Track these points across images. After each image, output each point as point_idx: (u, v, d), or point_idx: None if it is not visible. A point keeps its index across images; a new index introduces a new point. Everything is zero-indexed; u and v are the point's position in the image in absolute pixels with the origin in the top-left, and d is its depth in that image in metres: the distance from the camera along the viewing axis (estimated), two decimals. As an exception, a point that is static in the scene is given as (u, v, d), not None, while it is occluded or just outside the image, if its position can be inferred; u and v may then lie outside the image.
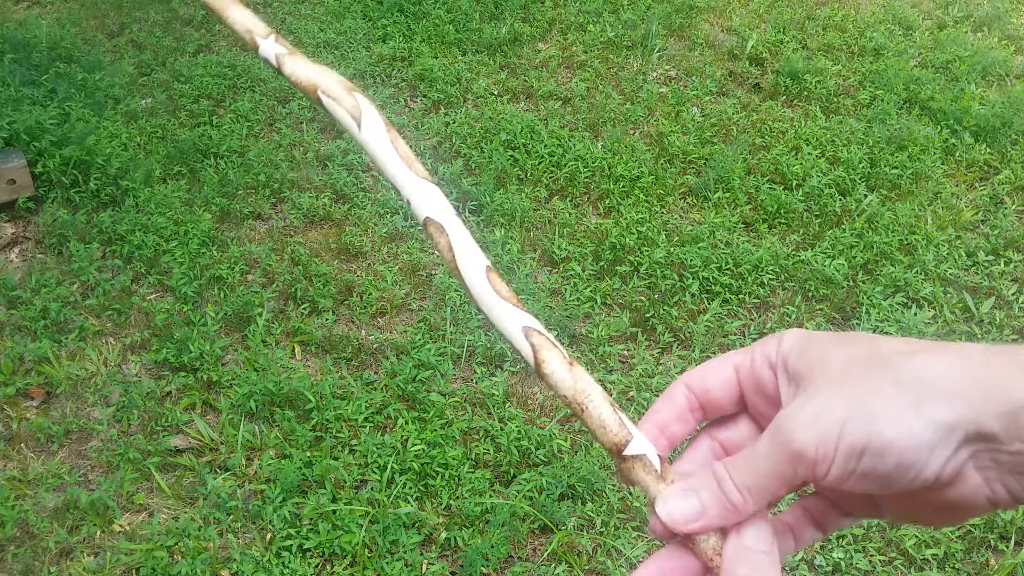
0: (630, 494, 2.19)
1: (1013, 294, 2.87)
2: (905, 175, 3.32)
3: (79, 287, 2.67)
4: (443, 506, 2.14)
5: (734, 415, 0.51)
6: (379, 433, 2.29)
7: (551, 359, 0.48)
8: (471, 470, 2.20)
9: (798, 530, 0.49)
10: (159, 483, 2.16)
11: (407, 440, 2.25)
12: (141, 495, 2.14)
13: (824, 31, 4.35)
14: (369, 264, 2.85)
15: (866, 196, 3.24)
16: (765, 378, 0.48)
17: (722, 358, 0.50)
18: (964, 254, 3.01)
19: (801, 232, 3.08)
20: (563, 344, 2.57)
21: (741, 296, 2.79)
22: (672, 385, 0.51)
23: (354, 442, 2.25)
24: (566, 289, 2.76)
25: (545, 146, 3.33)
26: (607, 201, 3.15)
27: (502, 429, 2.28)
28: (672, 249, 2.89)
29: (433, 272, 2.80)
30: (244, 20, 0.53)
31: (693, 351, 2.58)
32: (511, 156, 3.29)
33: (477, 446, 2.26)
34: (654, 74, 3.98)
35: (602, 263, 2.87)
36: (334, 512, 2.06)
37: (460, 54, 3.98)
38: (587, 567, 2.04)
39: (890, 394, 0.41)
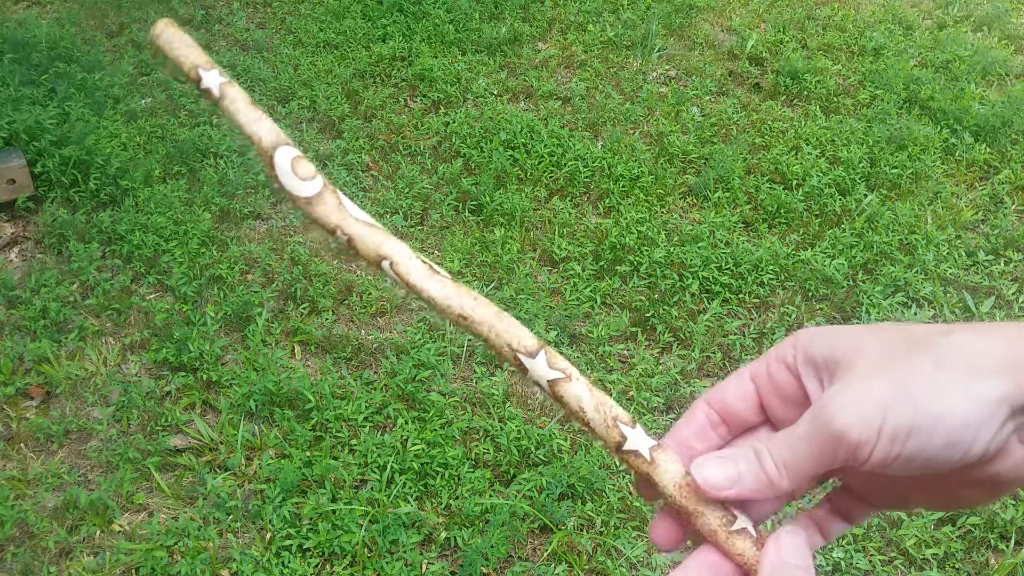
0: (630, 494, 2.19)
1: (1013, 294, 2.87)
2: (905, 175, 3.32)
3: (79, 287, 2.67)
4: (443, 506, 2.14)
5: (755, 426, 0.51)
6: (379, 433, 2.29)
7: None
8: (471, 470, 2.20)
9: (825, 525, 0.50)
10: (159, 483, 2.16)
11: (407, 440, 2.25)
12: (141, 495, 2.14)
13: (824, 31, 4.35)
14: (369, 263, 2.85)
15: (866, 196, 3.24)
16: (783, 381, 0.48)
17: (738, 371, 0.51)
18: (964, 254, 3.01)
19: (801, 232, 3.08)
20: (563, 344, 2.58)
21: (741, 296, 2.79)
22: (692, 405, 0.51)
23: (354, 442, 2.24)
24: (566, 289, 2.76)
25: (545, 146, 3.33)
26: (607, 201, 3.15)
27: (502, 429, 2.28)
28: (672, 249, 2.89)
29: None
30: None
31: (693, 351, 2.58)
32: (511, 156, 3.29)
33: (477, 446, 2.26)
34: (654, 74, 3.98)
35: (602, 263, 2.87)
36: (334, 512, 2.06)
37: (460, 54, 3.98)
38: (587, 567, 2.04)
39: (932, 374, 0.41)
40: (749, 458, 0.46)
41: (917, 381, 0.41)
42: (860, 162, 3.36)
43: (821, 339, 0.47)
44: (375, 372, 2.48)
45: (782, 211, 3.12)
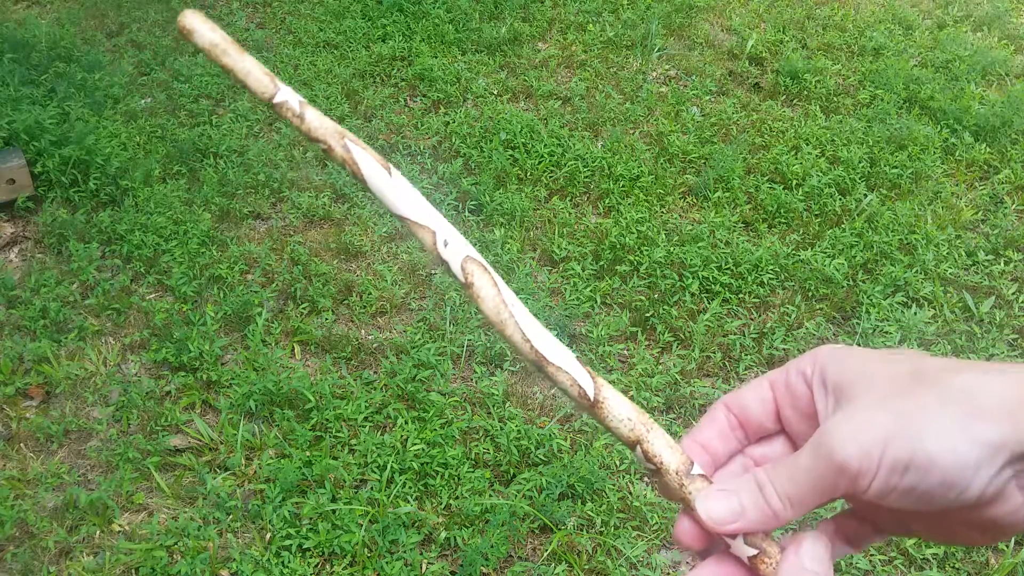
0: (630, 493, 2.19)
1: (1013, 293, 2.87)
2: (905, 175, 3.32)
3: (78, 287, 2.66)
4: (443, 506, 2.14)
5: (772, 434, 0.51)
6: (379, 433, 2.29)
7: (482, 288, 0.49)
8: (471, 470, 2.20)
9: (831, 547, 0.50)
10: (158, 483, 2.16)
11: (407, 440, 2.25)
12: (140, 495, 2.14)
13: (824, 31, 4.35)
14: (369, 264, 2.85)
15: (866, 196, 3.24)
16: (800, 393, 0.48)
17: (759, 378, 0.51)
18: (964, 253, 3.01)
19: (801, 232, 3.08)
20: (563, 344, 2.57)
21: (741, 296, 2.79)
22: (713, 405, 0.51)
23: (354, 442, 2.24)
24: (566, 289, 2.76)
25: (545, 146, 3.33)
26: (607, 201, 3.15)
27: (502, 429, 2.28)
28: (672, 249, 2.89)
29: (433, 272, 2.80)
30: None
31: (693, 350, 2.58)
32: (511, 156, 3.29)
33: (477, 446, 2.26)
34: (654, 74, 3.98)
35: (602, 263, 2.87)
36: (334, 512, 2.06)
37: (460, 54, 3.97)
38: (587, 567, 2.04)
39: (935, 411, 0.41)
40: (752, 491, 0.46)
41: (920, 417, 0.41)
42: (860, 162, 3.36)
43: (837, 361, 0.47)
44: (375, 372, 2.48)
45: (782, 211, 3.12)
